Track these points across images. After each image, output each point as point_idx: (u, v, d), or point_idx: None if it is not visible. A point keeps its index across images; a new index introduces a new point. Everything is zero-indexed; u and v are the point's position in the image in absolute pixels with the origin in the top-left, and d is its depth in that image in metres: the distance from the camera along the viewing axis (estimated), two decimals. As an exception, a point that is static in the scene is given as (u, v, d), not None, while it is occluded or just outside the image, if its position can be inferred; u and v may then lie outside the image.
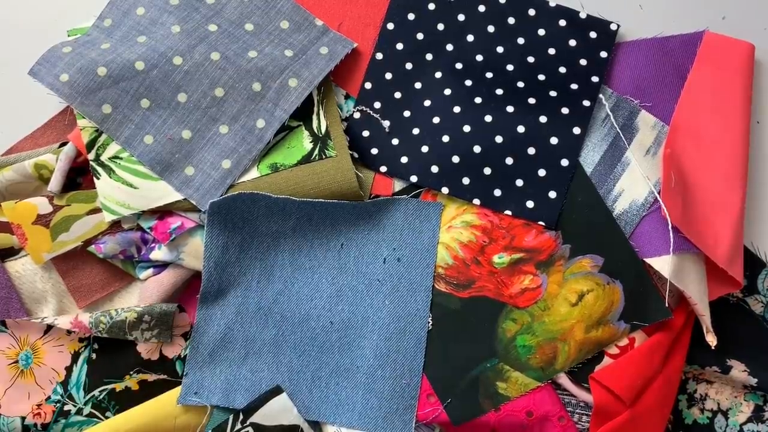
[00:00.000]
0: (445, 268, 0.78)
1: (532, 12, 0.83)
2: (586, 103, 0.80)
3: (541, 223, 0.78)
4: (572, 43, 0.82)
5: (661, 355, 0.75)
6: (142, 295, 0.78)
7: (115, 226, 0.78)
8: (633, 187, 0.78)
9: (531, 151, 0.79)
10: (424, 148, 0.80)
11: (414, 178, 0.79)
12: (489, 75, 0.81)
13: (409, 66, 0.83)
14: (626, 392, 0.73)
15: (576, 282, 0.76)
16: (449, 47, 0.83)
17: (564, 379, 0.76)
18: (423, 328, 0.76)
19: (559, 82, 0.81)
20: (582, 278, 0.76)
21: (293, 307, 0.78)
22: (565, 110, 0.80)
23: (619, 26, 0.82)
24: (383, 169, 0.80)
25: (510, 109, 0.80)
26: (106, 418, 0.76)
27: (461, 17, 0.83)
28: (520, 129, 0.79)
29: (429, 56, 0.83)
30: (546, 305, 0.76)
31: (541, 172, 0.78)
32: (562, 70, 0.81)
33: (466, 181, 0.79)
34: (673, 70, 0.82)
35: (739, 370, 0.77)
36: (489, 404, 0.75)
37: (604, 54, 0.82)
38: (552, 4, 0.83)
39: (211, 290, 0.77)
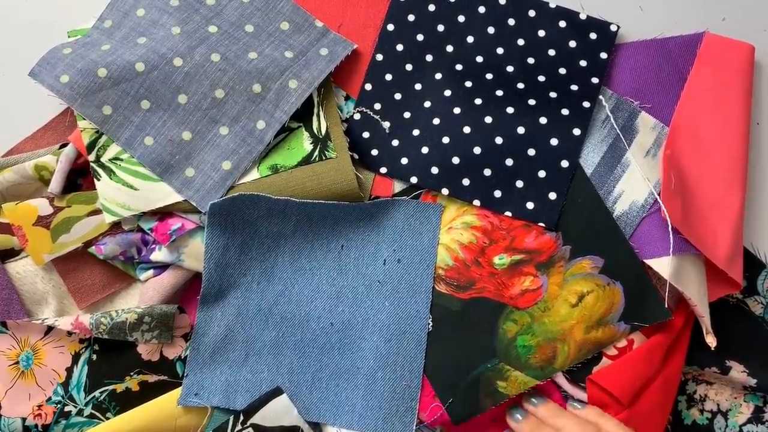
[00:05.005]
0: (446, 269, 0.78)
1: (532, 13, 0.83)
2: (586, 104, 0.80)
3: (541, 224, 0.78)
4: (572, 44, 0.82)
5: (661, 355, 0.75)
6: (142, 296, 0.78)
7: (116, 227, 0.78)
8: (633, 189, 0.78)
9: (531, 152, 0.79)
10: (424, 149, 0.80)
11: (414, 179, 0.79)
12: (489, 76, 0.81)
13: (409, 67, 0.83)
14: (623, 393, 0.73)
15: (576, 283, 0.76)
16: (449, 48, 0.83)
17: (561, 379, 0.76)
18: (423, 329, 0.76)
19: (559, 83, 0.81)
20: (582, 279, 0.76)
21: (293, 309, 0.78)
22: (565, 111, 0.80)
23: (619, 27, 0.82)
24: (383, 170, 0.80)
25: (510, 110, 0.80)
26: (107, 419, 0.76)
27: (461, 18, 0.83)
28: (520, 130, 0.79)
29: (429, 57, 0.83)
30: (546, 306, 0.76)
31: (541, 173, 0.79)
32: (562, 71, 0.81)
33: (466, 182, 0.79)
34: (673, 72, 0.82)
35: (738, 371, 0.78)
36: (489, 402, 0.75)
37: (604, 55, 0.82)
38: (552, 5, 0.83)
39: (211, 291, 0.77)
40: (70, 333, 0.77)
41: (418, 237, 0.78)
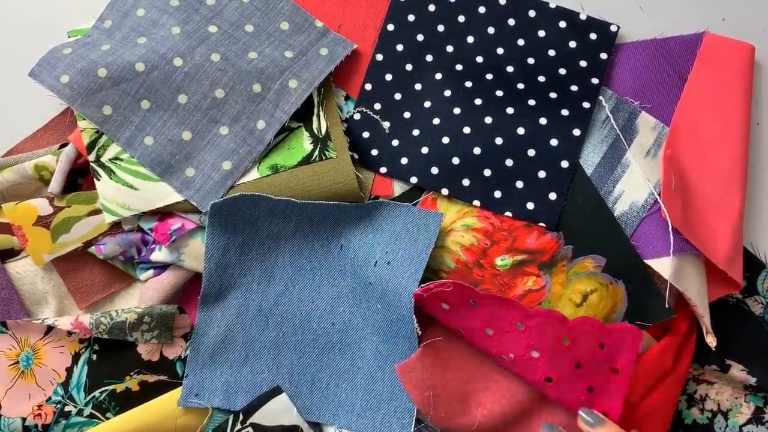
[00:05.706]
0: (448, 272, 0.78)
1: (532, 13, 0.83)
2: (586, 104, 0.80)
3: (541, 224, 0.78)
4: (572, 44, 0.82)
5: (672, 357, 0.75)
6: (142, 296, 0.78)
7: (116, 227, 0.78)
8: (633, 189, 0.78)
9: (531, 152, 0.79)
10: (424, 150, 0.80)
11: (414, 179, 0.79)
12: (489, 76, 0.81)
13: (409, 67, 0.83)
14: (633, 393, 0.73)
15: (579, 282, 0.76)
16: (449, 48, 0.83)
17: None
18: (413, 332, 0.73)
19: (559, 84, 0.81)
20: (585, 278, 0.76)
21: (294, 309, 0.78)
22: (565, 112, 0.80)
23: (619, 27, 0.82)
24: (383, 170, 0.80)
25: (510, 110, 0.80)
26: (107, 419, 0.76)
27: (461, 18, 0.83)
28: (520, 130, 0.79)
29: (429, 57, 0.83)
30: (550, 306, 0.76)
31: (541, 174, 0.78)
32: (562, 71, 0.81)
33: (466, 182, 0.79)
34: (673, 72, 0.82)
35: (738, 369, 0.78)
36: None
37: (604, 55, 0.82)
38: (552, 5, 0.83)
39: (211, 292, 0.77)
40: (70, 333, 0.77)
41: (413, 243, 0.76)
